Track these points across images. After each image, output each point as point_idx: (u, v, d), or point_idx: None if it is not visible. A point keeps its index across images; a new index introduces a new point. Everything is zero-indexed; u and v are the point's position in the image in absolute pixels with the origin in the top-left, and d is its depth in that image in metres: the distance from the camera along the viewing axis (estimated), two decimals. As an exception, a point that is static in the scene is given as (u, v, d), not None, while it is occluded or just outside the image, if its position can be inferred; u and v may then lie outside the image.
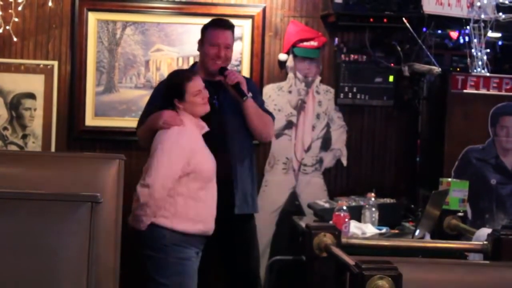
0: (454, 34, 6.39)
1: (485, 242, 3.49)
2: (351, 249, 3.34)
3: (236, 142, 4.95)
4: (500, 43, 6.41)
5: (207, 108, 4.64)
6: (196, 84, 4.58)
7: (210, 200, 4.58)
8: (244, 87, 4.84)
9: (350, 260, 2.67)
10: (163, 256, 4.45)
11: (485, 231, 3.95)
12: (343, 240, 3.49)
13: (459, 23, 6.20)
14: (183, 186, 4.47)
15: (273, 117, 5.10)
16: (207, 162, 4.56)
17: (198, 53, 5.83)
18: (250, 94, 4.84)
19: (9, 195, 2.14)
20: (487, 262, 3.43)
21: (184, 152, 4.46)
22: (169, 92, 4.64)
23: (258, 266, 5.31)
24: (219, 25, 5.04)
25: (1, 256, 2.02)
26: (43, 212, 2.13)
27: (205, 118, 4.68)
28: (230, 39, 5.00)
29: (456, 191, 4.81)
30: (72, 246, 2.07)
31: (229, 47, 4.98)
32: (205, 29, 5.08)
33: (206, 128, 4.63)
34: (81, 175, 3.12)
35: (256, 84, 5.48)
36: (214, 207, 4.60)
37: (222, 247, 5.05)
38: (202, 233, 4.55)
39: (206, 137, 4.66)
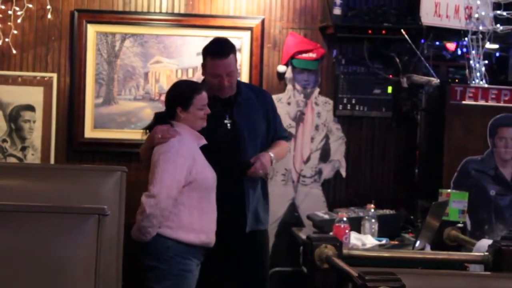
0: (450, 46, 6.41)
1: (486, 253, 3.49)
2: (352, 260, 3.34)
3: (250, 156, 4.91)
4: (497, 54, 6.43)
5: (204, 124, 4.63)
6: (203, 98, 4.57)
7: (212, 212, 4.58)
8: (267, 168, 4.94)
9: (353, 272, 2.67)
10: (166, 267, 4.44)
11: (485, 242, 3.94)
12: (344, 251, 3.49)
13: (457, 34, 6.22)
14: (185, 196, 4.46)
15: (288, 138, 5.10)
16: (207, 171, 4.56)
17: (196, 65, 5.87)
18: (273, 158, 4.92)
19: (16, 208, 2.14)
20: (489, 273, 3.43)
21: (187, 161, 4.45)
22: (174, 100, 4.61)
23: (267, 279, 5.30)
24: (218, 55, 4.85)
25: (8, 270, 2.02)
26: (50, 225, 2.13)
27: (217, 136, 4.71)
28: (231, 65, 4.85)
29: (456, 202, 4.82)
30: (79, 259, 2.07)
31: (231, 74, 4.85)
32: (204, 56, 4.94)
33: (203, 141, 4.62)
34: (83, 188, 3.12)
35: (272, 99, 5.33)
36: (215, 219, 4.60)
37: (234, 262, 5.05)
38: (205, 245, 4.54)
39: (219, 155, 4.70)
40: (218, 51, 4.88)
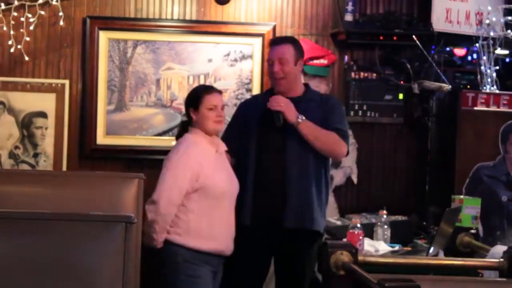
0: (460, 52, 6.41)
1: (501, 260, 3.48)
2: (367, 266, 3.34)
3: (296, 158, 4.81)
4: (507, 60, 6.43)
5: (219, 128, 4.64)
6: (213, 99, 4.57)
7: (226, 220, 4.56)
8: (289, 114, 4.71)
9: (372, 278, 2.67)
10: (173, 273, 4.44)
11: (500, 249, 3.94)
12: (360, 258, 3.48)
13: (468, 40, 6.23)
14: (194, 202, 4.45)
15: (342, 134, 4.90)
16: (219, 180, 4.53)
17: (208, 71, 5.91)
18: (300, 118, 4.74)
19: (44, 215, 2.15)
20: (504, 279, 3.42)
21: (190, 167, 4.43)
22: (187, 102, 4.66)
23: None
24: (272, 42, 5.03)
25: (37, 278, 2.03)
26: (78, 232, 2.14)
27: (269, 133, 4.73)
28: (284, 53, 4.82)
29: (469, 208, 4.82)
30: (107, 267, 2.08)
31: (283, 61, 4.81)
32: None
33: (223, 147, 4.64)
34: (101, 195, 3.13)
35: (338, 103, 5.15)
36: (231, 227, 4.59)
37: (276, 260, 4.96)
38: (217, 252, 4.52)
39: (266, 151, 4.76)
40: (274, 39, 5.06)
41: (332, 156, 5.01)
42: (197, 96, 4.58)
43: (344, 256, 3.39)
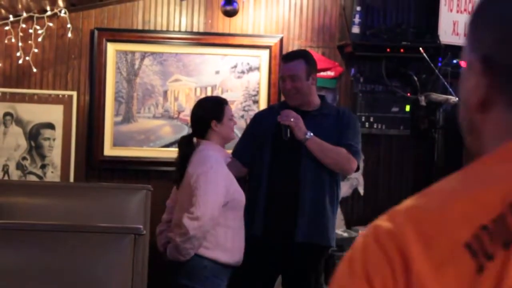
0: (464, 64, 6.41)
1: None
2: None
3: (309, 171, 4.80)
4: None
5: (234, 136, 4.71)
6: (230, 108, 4.67)
7: (242, 229, 4.58)
8: (297, 130, 4.70)
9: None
10: (200, 287, 4.42)
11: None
12: (367, 270, 3.48)
13: (475, 53, 6.23)
14: (221, 216, 4.43)
15: (353, 150, 4.85)
16: (241, 190, 4.57)
17: (215, 83, 5.93)
18: (308, 135, 4.74)
19: (54, 227, 2.17)
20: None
21: (225, 180, 4.45)
22: (207, 115, 4.60)
23: None
24: (284, 58, 5.02)
25: (47, 287, 2.05)
26: (87, 244, 2.15)
27: (283, 145, 4.74)
28: (295, 70, 4.81)
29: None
30: (115, 278, 2.09)
31: (294, 78, 4.79)
32: None
33: (229, 158, 4.67)
34: (109, 206, 3.14)
35: (353, 118, 5.15)
36: (244, 237, 4.60)
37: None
38: (236, 264, 4.53)
39: (280, 164, 4.77)
40: (285, 55, 5.04)
41: (341, 172, 5.03)
42: (221, 108, 4.60)
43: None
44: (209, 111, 4.62)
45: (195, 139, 4.62)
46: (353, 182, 6.38)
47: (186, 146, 4.63)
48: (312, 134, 4.71)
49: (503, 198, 1.03)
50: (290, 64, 4.86)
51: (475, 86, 1.15)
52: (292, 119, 4.70)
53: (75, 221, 2.59)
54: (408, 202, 1.11)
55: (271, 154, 4.83)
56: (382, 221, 1.10)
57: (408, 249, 1.03)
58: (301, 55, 4.99)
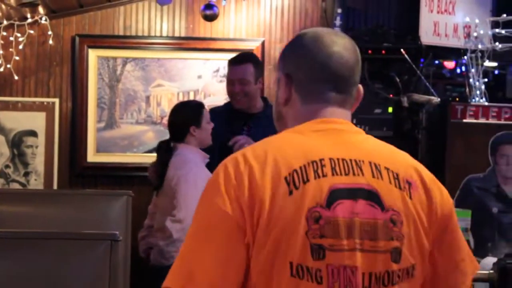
0: (449, 64, 6.43)
1: (491, 271, 3.49)
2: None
3: None
4: (496, 72, 6.45)
5: (210, 142, 4.67)
6: (207, 112, 4.64)
7: None
8: None
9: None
10: None
11: (490, 260, 3.95)
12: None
13: (456, 53, 6.25)
14: None
15: None
16: None
17: (197, 87, 5.92)
18: None
19: (28, 235, 2.16)
20: (494, 291, 3.43)
21: (206, 182, 4.41)
22: (186, 120, 4.60)
23: None
24: (233, 62, 4.94)
25: (22, 296, 2.04)
26: (62, 251, 2.15)
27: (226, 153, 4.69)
28: (245, 73, 4.82)
29: (459, 221, 4.79)
30: (92, 284, 2.08)
31: (244, 82, 4.80)
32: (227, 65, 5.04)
33: (207, 159, 4.65)
34: (90, 212, 3.13)
35: None
36: None
37: None
38: None
39: None
40: (234, 58, 4.95)
41: None
42: (198, 113, 4.60)
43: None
44: (188, 117, 4.62)
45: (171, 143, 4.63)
46: (337, 184, 6.38)
47: (165, 151, 4.63)
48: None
49: (306, 155, 1.77)
50: (239, 67, 4.84)
51: (282, 91, 1.93)
52: (245, 145, 4.69)
53: (56, 228, 2.58)
54: (250, 149, 1.81)
55: (218, 161, 4.75)
56: (237, 156, 1.80)
57: (254, 174, 1.73)
58: (250, 58, 4.96)
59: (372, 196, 1.77)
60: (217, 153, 4.75)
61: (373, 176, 1.80)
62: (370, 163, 1.82)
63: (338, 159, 1.78)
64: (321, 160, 1.77)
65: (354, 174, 1.78)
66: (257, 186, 1.71)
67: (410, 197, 1.82)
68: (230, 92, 4.89)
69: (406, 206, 1.80)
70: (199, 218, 1.79)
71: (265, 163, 1.74)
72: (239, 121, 4.81)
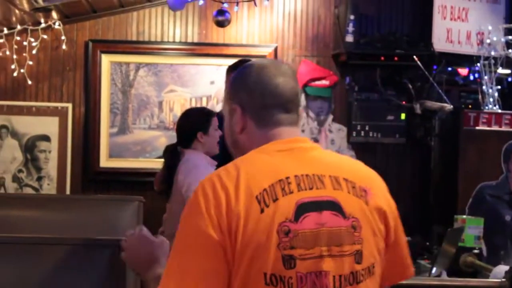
0: (463, 71, 6.41)
1: (503, 280, 3.48)
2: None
3: None
4: (510, 79, 6.43)
5: (217, 151, 4.66)
6: (216, 120, 4.62)
7: None
8: None
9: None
10: None
11: (502, 268, 3.93)
12: (361, 279, 3.47)
13: (469, 60, 6.23)
14: None
15: None
16: None
17: (210, 93, 5.90)
18: None
19: (32, 240, 2.17)
20: (506, 299, 3.42)
21: None
22: (194, 126, 4.60)
23: None
24: (234, 68, 4.73)
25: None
26: (68, 256, 2.15)
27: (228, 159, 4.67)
28: None
29: (472, 228, 4.79)
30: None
31: None
32: (227, 75, 4.88)
33: (215, 166, 4.64)
34: (101, 218, 3.13)
35: None
36: None
37: None
38: None
39: None
40: (233, 66, 4.90)
41: None
42: (206, 120, 4.59)
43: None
44: (196, 123, 4.61)
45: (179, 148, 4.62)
46: (349, 191, 6.37)
47: (171, 155, 4.63)
48: None
49: (273, 175, 1.93)
50: None
51: (238, 120, 2.10)
52: None
53: (66, 234, 2.58)
54: (224, 170, 1.97)
55: (221, 165, 4.73)
56: (212, 177, 1.95)
57: (229, 194, 1.88)
58: None
59: (334, 207, 1.97)
60: (220, 156, 4.75)
61: (334, 188, 1.99)
62: (330, 176, 2.01)
63: (302, 175, 1.97)
64: (287, 178, 1.95)
65: (317, 188, 1.97)
66: (233, 206, 1.87)
67: (367, 204, 2.05)
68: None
69: (363, 212, 2.02)
70: (183, 238, 1.92)
71: (238, 183, 1.91)
72: None
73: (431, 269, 4.55)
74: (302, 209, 1.92)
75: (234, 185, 1.91)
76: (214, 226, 1.86)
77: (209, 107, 5.93)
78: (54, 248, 2.17)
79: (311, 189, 1.96)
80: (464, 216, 5.03)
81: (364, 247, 2.00)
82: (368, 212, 2.04)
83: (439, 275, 4.54)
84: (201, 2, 6.11)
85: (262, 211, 1.88)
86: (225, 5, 6.02)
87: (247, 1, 6.12)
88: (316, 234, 1.91)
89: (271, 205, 1.89)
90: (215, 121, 4.61)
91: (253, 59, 2.23)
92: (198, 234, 1.87)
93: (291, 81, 2.13)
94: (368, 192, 2.08)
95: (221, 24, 6.05)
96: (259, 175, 1.94)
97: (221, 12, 5.98)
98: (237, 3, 6.06)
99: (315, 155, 2.08)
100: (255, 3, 6.05)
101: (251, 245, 1.85)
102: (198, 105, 6.12)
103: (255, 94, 2.09)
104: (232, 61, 6.05)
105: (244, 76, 2.14)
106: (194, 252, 1.86)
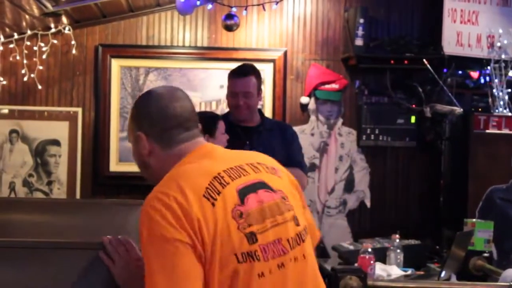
0: (474, 74, 6.40)
1: (511, 283, 3.47)
2: (378, 291, 3.33)
3: None
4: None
5: None
6: (223, 124, 4.62)
7: None
8: None
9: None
10: None
11: (511, 272, 3.92)
12: (369, 282, 3.48)
13: (479, 63, 6.23)
14: None
15: (303, 166, 4.94)
16: None
17: (220, 97, 5.90)
18: None
19: (27, 244, 2.19)
20: (515, 303, 3.41)
21: None
22: (202, 128, 4.60)
23: None
24: (236, 74, 4.88)
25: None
26: (73, 261, 2.16)
27: None
28: (249, 86, 4.80)
29: (481, 232, 4.78)
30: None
31: (248, 95, 4.79)
32: (228, 79, 4.96)
33: None
34: (110, 222, 3.14)
35: (294, 132, 5.12)
36: None
37: None
38: None
39: None
40: (237, 71, 4.90)
41: None
42: (213, 123, 4.60)
43: (353, 281, 3.39)
44: (203, 126, 4.60)
45: None
46: (359, 195, 6.38)
47: None
48: None
49: (207, 175, 2.18)
50: (243, 80, 4.81)
51: (143, 146, 2.37)
52: None
53: (74, 238, 2.59)
54: (162, 187, 2.20)
55: None
56: (156, 194, 2.17)
57: (179, 201, 2.08)
58: (253, 71, 4.90)
59: (264, 185, 2.29)
60: None
61: (255, 172, 2.31)
62: (247, 164, 2.32)
63: (228, 169, 2.25)
64: (218, 173, 2.21)
65: (244, 175, 2.26)
66: (187, 209, 2.08)
67: (281, 178, 2.40)
68: (234, 105, 4.83)
69: (283, 185, 2.37)
70: (152, 257, 2.06)
71: (183, 190, 2.11)
72: (239, 135, 4.78)
73: (440, 272, 4.54)
74: (242, 193, 2.19)
75: (180, 192, 2.11)
76: (178, 231, 2.05)
77: (218, 111, 5.94)
78: (59, 252, 2.18)
79: (240, 177, 2.24)
80: (474, 220, 5.01)
81: (296, 212, 2.33)
82: (285, 184, 2.40)
83: (448, 279, 4.53)
84: (210, 7, 6.12)
85: (213, 205, 2.10)
86: (234, 9, 6.03)
87: (256, 5, 6.13)
88: (261, 210, 2.20)
89: (218, 198, 2.13)
90: (221, 125, 4.61)
91: (162, 88, 2.52)
92: (166, 243, 2.05)
93: (186, 102, 2.44)
94: (276, 169, 2.42)
95: (229, 28, 6.06)
96: (195, 178, 2.17)
97: (230, 16, 5.99)
98: (246, 7, 6.07)
99: (222, 152, 2.42)
100: (263, 8, 6.06)
101: (216, 236, 2.07)
102: (208, 109, 6.13)
103: (155, 120, 2.35)
104: (241, 65, 6.11)
105: (143, 106, 2.41)
106: (170, 261, 2.03)
